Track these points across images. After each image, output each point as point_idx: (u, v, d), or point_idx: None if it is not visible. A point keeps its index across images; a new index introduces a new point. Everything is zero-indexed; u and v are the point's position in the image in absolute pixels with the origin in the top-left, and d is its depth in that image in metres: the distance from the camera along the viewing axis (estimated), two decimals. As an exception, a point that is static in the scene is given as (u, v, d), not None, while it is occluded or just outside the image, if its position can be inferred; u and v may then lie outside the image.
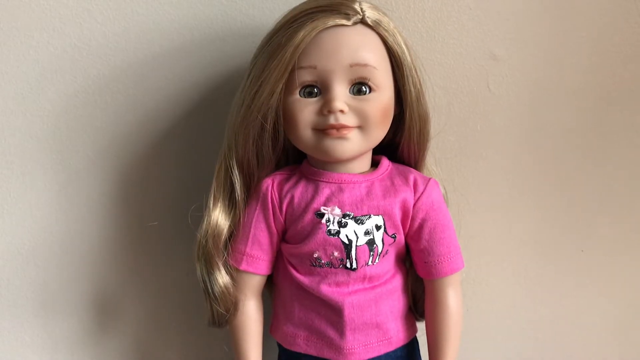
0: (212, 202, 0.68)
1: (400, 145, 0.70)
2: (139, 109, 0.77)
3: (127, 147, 0.78)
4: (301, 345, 0.69)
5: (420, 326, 0.73)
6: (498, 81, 0.80)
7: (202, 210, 0.68)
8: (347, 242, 0.66)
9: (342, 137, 0.63)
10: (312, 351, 0.69)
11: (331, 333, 0.67)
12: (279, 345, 0.73)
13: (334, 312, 0.67)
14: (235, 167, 0.67)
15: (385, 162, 0.70)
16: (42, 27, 0.74)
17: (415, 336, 0.73)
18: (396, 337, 0.70)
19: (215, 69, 0.76)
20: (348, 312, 0.66)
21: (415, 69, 0.66)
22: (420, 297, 0.73)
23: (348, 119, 0.63)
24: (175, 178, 0.80)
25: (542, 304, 0.88)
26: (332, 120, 0.63)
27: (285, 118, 0.65)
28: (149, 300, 0.83)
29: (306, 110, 0.63)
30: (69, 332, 0.83)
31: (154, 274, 0.82)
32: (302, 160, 0.71)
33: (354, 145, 0.64)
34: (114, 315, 0.83)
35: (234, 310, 0.69)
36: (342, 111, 0.62)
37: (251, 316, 0.70)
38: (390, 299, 0.69)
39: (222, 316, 0.69)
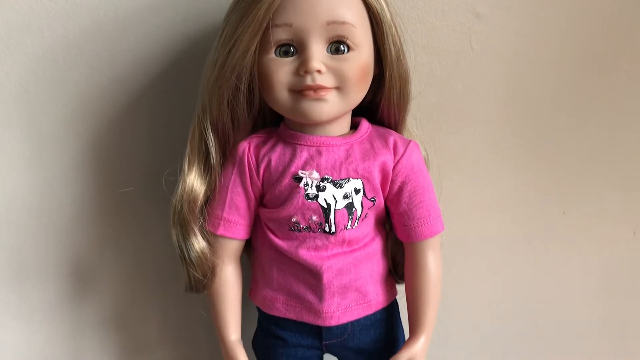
0: (187, 166, 0.66)
1: (380, 107, 0.69)
2: (109, 70, 0.74)
3: (98, 109, 0.76)
4: (280, 309, 0.69)
5: (400, 289, 0.72)
6: (481, 39, 0.78)
7: (176, 175, 0.67)
8: (325, 206, 0.64)
9: (320, 99, 0.61)
10: (291, 315, 0.68)
11: (310, 297, 0.67)
12: (259, 310, 0.73)
13: (312, 276, 0.66)
14: (210, 130, 0.65)
15: (364, 124, 0.68)
16: (7, -16, 0.71)
17: (395, 299, 0.73)
18: (375, 300, 0.69)
19: (188, 26, 0.73)
20: (327, 276, 0.66)
21: (395, 27, 0.64)
22: (400, 260, 0.72)
23: (325, 80, 0.61)
24: (148, 141, 0.78)
25: (523, 266, 0.88)
26: (309, 81, 0.61)
27: (260, 78, 0.63)
28: (125, 266, 0.82)
29: (282, 71, 0.61)
30: (46, 298, 0.82)
31: (130, 239, 0.81)
32: (279, 123, 0.69)
33: (332, 106, 0.62)
34: (91, 281, 0.83)
35: (212, 275, 0.68)
36: (319, 71, 0.60)
37: (229, 281, 0.70)
38: (370, 263, 0.69)
39: (199, 282, 0.68)
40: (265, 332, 0.72)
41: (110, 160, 0.78)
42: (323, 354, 0.74)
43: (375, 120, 0.70)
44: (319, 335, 0.69)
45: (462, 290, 0.88)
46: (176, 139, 0.73)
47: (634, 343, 0.93)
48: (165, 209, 0.67)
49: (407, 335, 0.70)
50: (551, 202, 0.86)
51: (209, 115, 0.65)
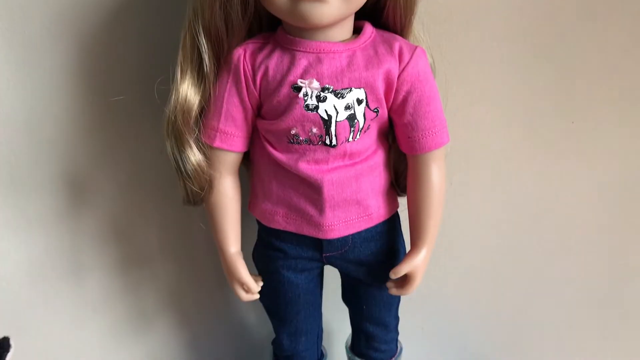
0: (179, 75, 0.63)
1: (385, 10, 0.64)
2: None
3: (85, 13, 0.71)
4: (280, 222, 0.68)
5: (402, 201, 0.71)
6: None
7: (169, 84, 0.64)
8: (326, 117, 0.62)
9: (320, 0, 0.57)
10: (291, 228, 0.68)
11: (310, 210, 0.66)
12: (258, 222, 0.72)
13: (313, 190, 0.65)
14: (202, 35, 0.61)
15: (368, 29, 0.64)
16: None
17: (397, 211, 0.72)
18: (377, 213, 0.68)
19: None
20: (327, 190, 0.64)
21: None
22: (402, 173, 0.71)
23: (326, -21, 0.56)
24: (139, 46, 0.74)
25: (528, 177, 0.86)
26: (307, -20, 0.56)
27: (255, -23, 0.58)
28: (123, 177, 0.81)
29: (279, -32, 0.56)
30: (42, 210, 0.82)
31: (126, 149, 0.79)
32: (276, 27, 0.65)
33: (333, 9, 0.58)
34: (88, 193, 0.81)
35: (209, 188, 0.67)
36: (319, -31, 0.56)
37: (228, 194, 0.68)
38: (372, 176, 0.67)
39: (196, 195, 0.67)
40: (266, 244, 0.72)
41: (99, 68, 0.74)
42: (323, 265, 0.74)
43: (379, 24, 0.66)
44: (320, 248, 0.69)
45: (465, 203, 0.87)
46: (169, 44, 0.69)
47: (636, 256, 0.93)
48: (160, 118, 0.65)
49: (408, 247, 0.69)
50: (560, 112, 0.83)
51: (201, 18, 0.60)
